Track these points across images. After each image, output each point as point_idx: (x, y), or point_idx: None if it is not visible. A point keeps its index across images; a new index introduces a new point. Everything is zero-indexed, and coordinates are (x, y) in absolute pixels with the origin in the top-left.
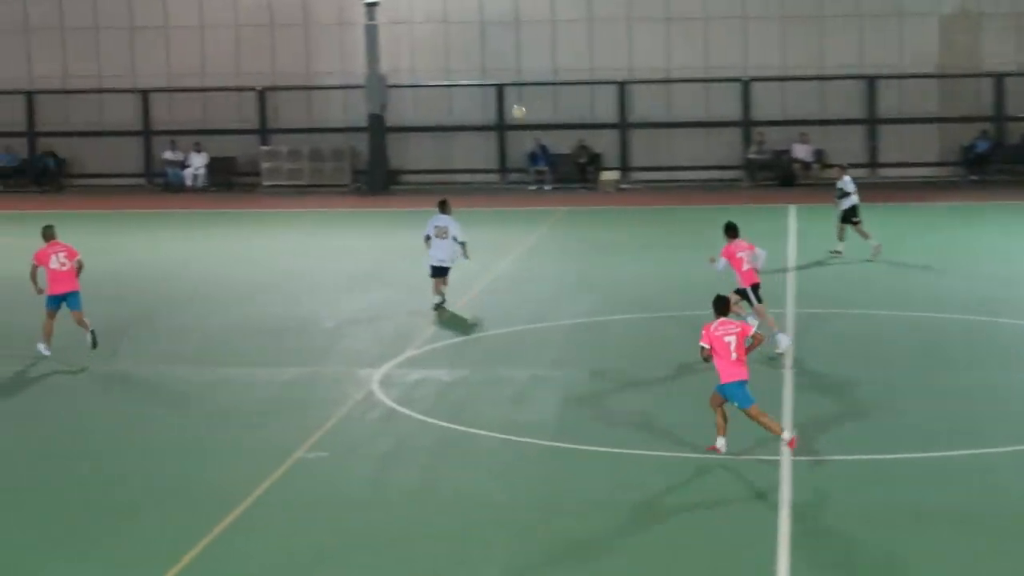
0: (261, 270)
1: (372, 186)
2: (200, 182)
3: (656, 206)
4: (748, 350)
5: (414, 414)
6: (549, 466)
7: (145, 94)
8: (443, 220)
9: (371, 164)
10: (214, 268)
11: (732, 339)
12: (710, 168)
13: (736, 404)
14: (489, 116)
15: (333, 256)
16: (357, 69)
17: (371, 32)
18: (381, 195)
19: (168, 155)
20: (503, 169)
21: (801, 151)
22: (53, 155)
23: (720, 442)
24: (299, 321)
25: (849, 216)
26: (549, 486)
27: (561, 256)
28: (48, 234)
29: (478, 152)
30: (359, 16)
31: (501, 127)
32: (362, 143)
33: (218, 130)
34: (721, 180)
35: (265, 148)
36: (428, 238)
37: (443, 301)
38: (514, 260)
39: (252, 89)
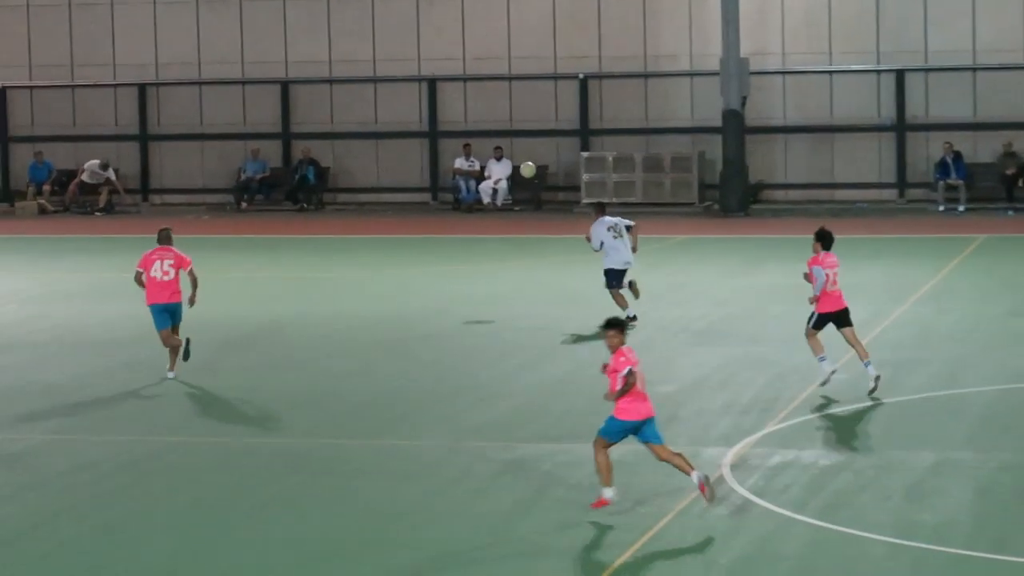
0: (578, 313)
1: (726, 205)
2: (500, 199)
3: None
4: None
5: (777, 508)
6: None
7: (432, 83)
8: (611, 220)
9: (725, 176)
10: (521, 311)
11: (640, 367)
12: None
13: (646, 443)
14: (884, 112)
15: (672, 297)
16: (710, 51)
17: (730, 5)
18: (739, 217)
19: (460, 163)
20: (902, 183)
21: None
22: (313, 163)
23: (608, 493)
24: None
25: None
26: None
27: (978, 300)
28: (161, 237)
29: (867, 160)
30: None
31: (902, 127)
32: (714, 148)
33: (524, 131)
34: None
35: (586, 155)
36: (602, 245)
37: (634, 315)
38: (914, 304)
39: (571, 77)
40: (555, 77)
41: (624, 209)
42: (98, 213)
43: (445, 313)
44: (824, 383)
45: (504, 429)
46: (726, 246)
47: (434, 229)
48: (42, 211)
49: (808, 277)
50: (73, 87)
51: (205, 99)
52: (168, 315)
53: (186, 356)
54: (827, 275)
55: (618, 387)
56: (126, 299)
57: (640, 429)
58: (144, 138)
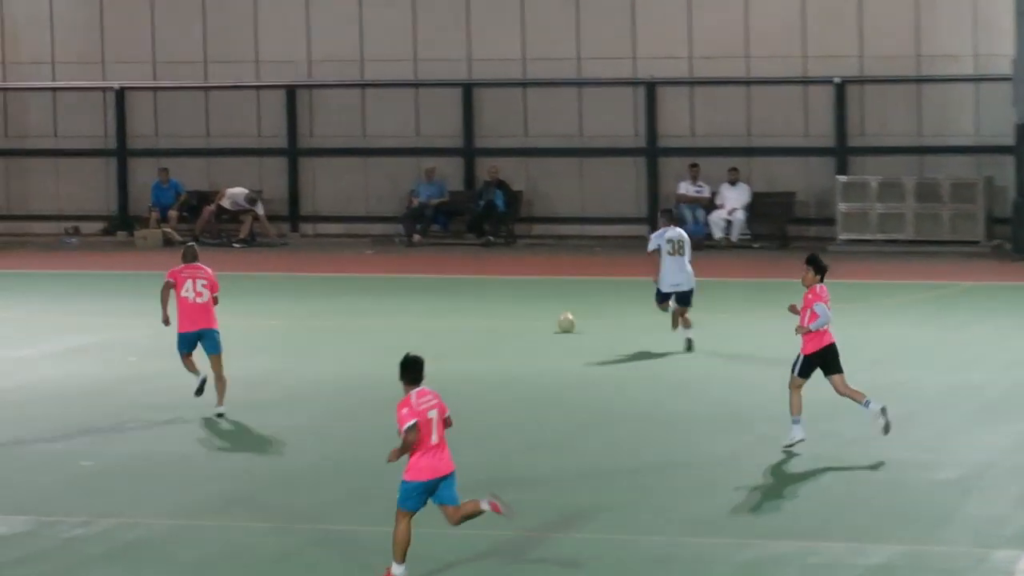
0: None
1: (1021, 244)
2: (736, 233)
3: None
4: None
5: None
6: None
7: (651, 88)
8: (676, 233)
9: (1020, 207)
10: (760, 372)
11: (435, 414)
12: None
13: (441, 505)
14: None
15: (950, 360)
16: (1000, 51)
17: None
18: None
19: (685, 188)
20: None
21: None
22: (502, 186)
23: (398, 570)
24: (898, 466)
25: None
26: None
27: None
28: (188, 254)
29: None
30: None
31: None
32: (1005, 172)
33: (765, 148)
34: None
35: (843, 179)
36: (658, 251)
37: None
38: None
39: (825, 81)
40: (805, 81)
41: (893, 248)
42: (237, 245)
43: (662, 376)
44: (789, 446)
45: (732, 522)
46: (1020, 296)
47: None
48: (167, 242)
49: (793, 309)
50: (206, 89)
51: (369, 105)
52: (195, 340)
53: (199, 392)
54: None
55: (404, 440)
56: (270, 351)
57: (436, 489)
58: (293, 153)
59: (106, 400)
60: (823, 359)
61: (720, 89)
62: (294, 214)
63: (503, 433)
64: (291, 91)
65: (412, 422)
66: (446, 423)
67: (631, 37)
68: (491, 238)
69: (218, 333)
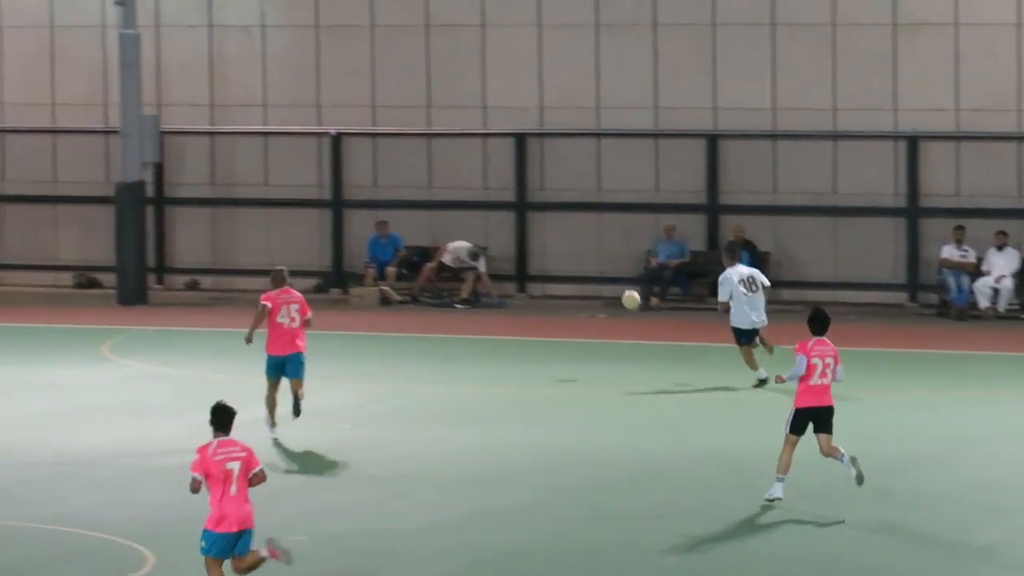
0: None
1: None
2: (1004, 303)
3: None
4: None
5: None
6: None
7: (912, 142)
8: (746, 270)
9: None
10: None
11: (236, 466)
12: None
13: (238, 557)
14: None
15: None
16: None
17: None
18: None
19: (950, 252)
20: None
21: None
22: (748, 246)
23: None
24: None
25: None
26: None
27: None
28: (279, 278)
29: None
30: None
31: None
32: None
33: None
34: None
35: None
36: (731, 298)
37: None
38: None
39: None
40: None
41: None
42: (459, 306)
43: (926, 457)
44: (769, 501)
45: None
46: None
47: (912, 341)
48: (384, 300)
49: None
50: (429, 136)
51: (604, 156)
52: (284, 365)
53: (296, 412)
54: (816, 364)
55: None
56: (487, 422)
57: (237, 542)
58: (522, 206)
59: (317, 470)
60: (817, 416)
61: (989, 145)
62: (521, 273)
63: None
64: (520, 139)
65: (193, 476)
66: (253, 479)
67: (892, 86)
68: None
69: (304, 357)
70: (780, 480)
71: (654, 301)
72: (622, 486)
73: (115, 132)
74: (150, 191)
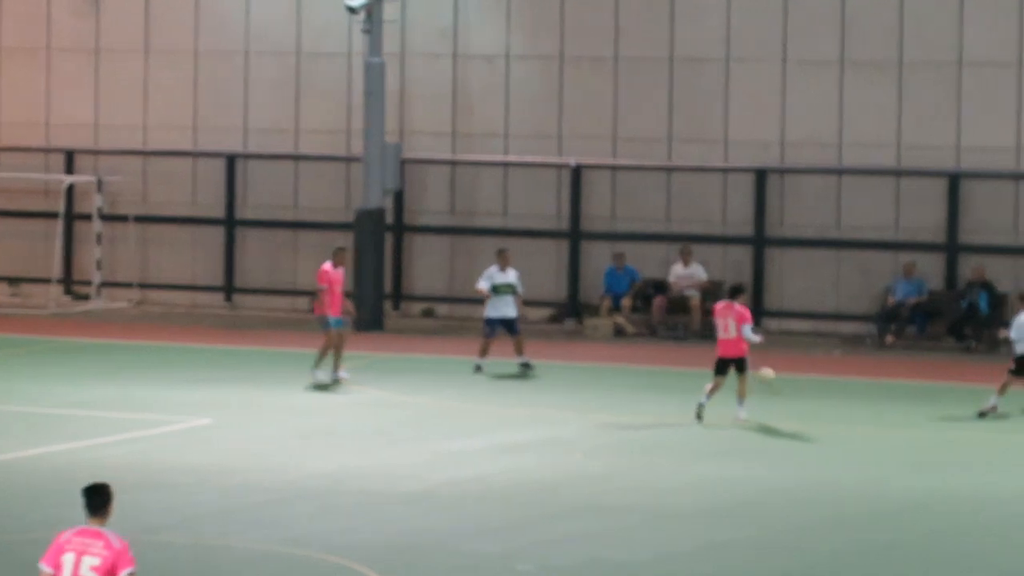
0: None
1: None
2: None
3: None
4: None
5: None
6: None
7: None
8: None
9: None
10: None
11: (71, 557)
12: None
13: None
14: None
15: None
16: None
17: None
18: None
19: None
20: None
21: None
22: (987, 287)
23: None
24: None
25: None
26: None
27: None
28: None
29: None
30: None
31: None
32: None
33: None
34: None
35: None
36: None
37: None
38: None
39: None
40: None
41: None
42: (694, 338)
43: None
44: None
45: None
46: None
47: None
48: (619, 332)
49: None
50: (669, 170)
51: (845, 193)
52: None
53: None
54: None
55: None
56: (722, 456)
57: None
58: (761, 242)
59: (549, 500)
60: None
61: None
62: (758, 308)
63: (977, 558)
64: (761, 174)
65: (41, 568)
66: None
67: None
68: (973, 343)
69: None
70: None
71: (890, 339)
72: (860, 523)
73: (357, 159)
74: (390, 218)
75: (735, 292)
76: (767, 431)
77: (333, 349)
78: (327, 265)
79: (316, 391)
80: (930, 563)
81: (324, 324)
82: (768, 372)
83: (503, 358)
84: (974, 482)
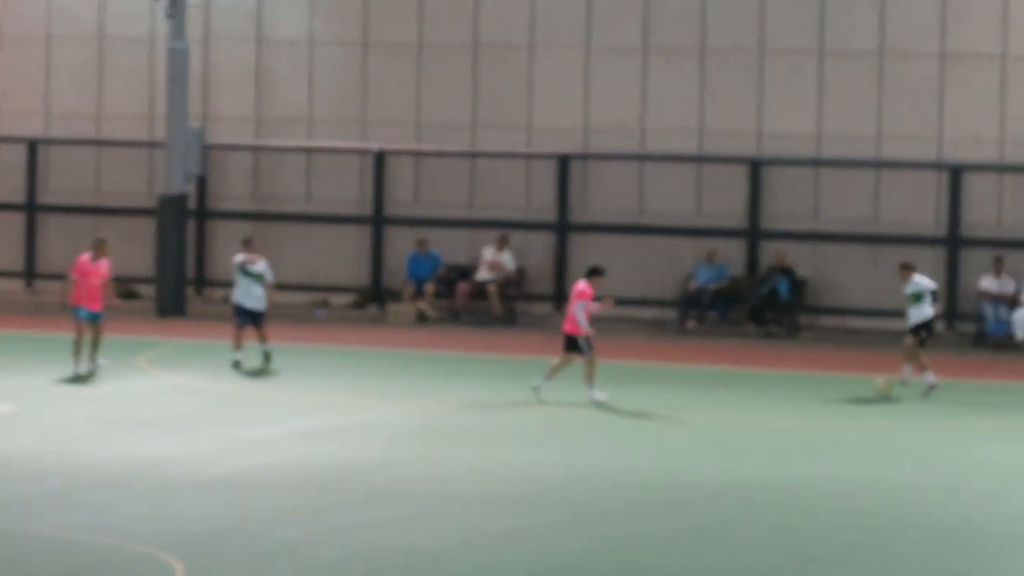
0: None
1: None
2: None
3: None
4: None
5: None
6: None
7: (956, 172)
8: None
9: None
10: None
11: None
12: None
13: None
14: None
15: None
16: None
17: None
18: None
19: (988, 284)
20: None
21: None
22: (788, 273)
23: None
24: None
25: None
26: None
27: None
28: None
29: None
30: None
31: None
32: None
33: None
34: None
35: None
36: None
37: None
38: None
39: None
40: None
41: None
42: (495, 324)
43: (957, 486)
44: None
45: None
46: None
47: (947, 369)
48: (421, 318)
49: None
50: (472, 155)
51: (648, 179)
52: None
53: None
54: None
55: None
56: (523, 442)
57: None
58: (563, 227)
59: (350, 486)
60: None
61: None
62: (560, 292)
63: (776, 542)
64: (564, 161)
65: None
66: None
67: (937, 116)
68: (773, 328)
69: None
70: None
71: (691, 324)
72: (662, 508)
73: (160, 145)
74: (193, 203)
75: (590, 272)
76: (566, 418)
77: (90, 339)
78: (85, 256)
79: (115, 379)
80: (728, 546)
81: (75, 315)
82: (881, 381)
83: (301, 344)
84: (771, 469)
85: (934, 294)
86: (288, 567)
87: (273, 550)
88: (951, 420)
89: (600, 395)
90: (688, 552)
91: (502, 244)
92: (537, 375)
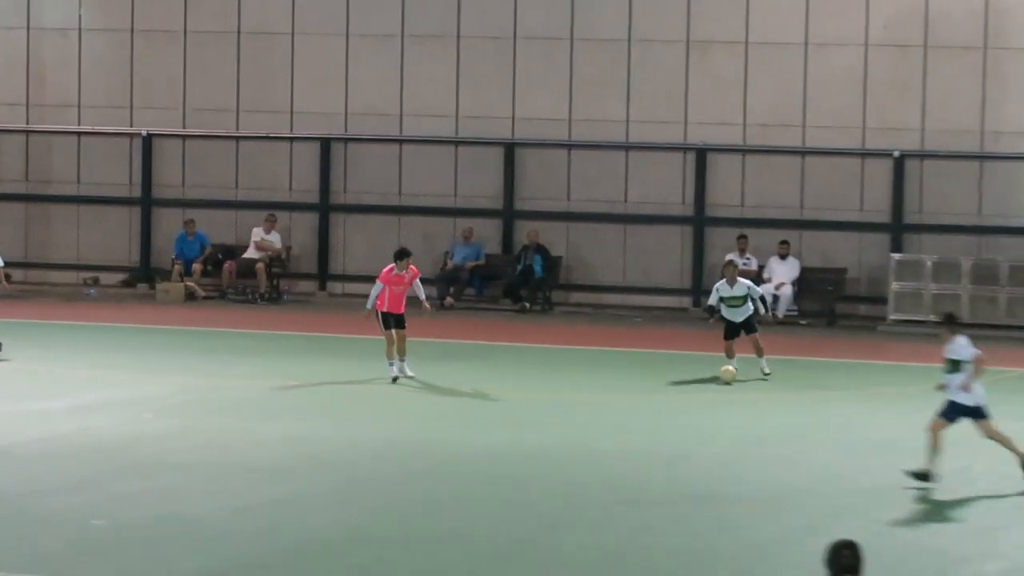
0: (869, 464)
1: None
2: (783, 309)
3: None
4: None
5: None
6: None
7: (701, 154)
8: (964, 341)
9: None
10: (796, 457)
11: None
12: None
13: None
14: None
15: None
16: None
17: None
18: None
19: (737, 258)
20: None
21: None
22: (542, 251)
23: None
24: (942, 557)
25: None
26: None
27: None
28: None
29: None
30: None
31: None
32: None
33: (818, 221)
34: None
35: (897, 257)
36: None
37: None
38: None
39: (885, 154)
40: (863, 154)
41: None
42: (262, 301)
43: (699, 454)
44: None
45: None
46: None
47: (689, 343)
48: (190, 296)
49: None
50: (237, 139)
51: (406, 161)
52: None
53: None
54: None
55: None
56: (291, 415)
57: None
58: (325, 208)
59: (121, 457)
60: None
61: (773, 158)
62: (323, 272)
63: (527, 510)
64: (326, 144)
65: None
66: None
67: (683, 101)
68: (527, 304)
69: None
70: (401, 361)
71: (449, 301)
72: (421, 476)
73: None
74: None
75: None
76: (335, 391)
77: None
78: None
79: None
80: (487, 513)
81: None
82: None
83: (72, 322)
84: (524, 437)
85: None
86: (59, 536)
87: (47, 519)
88: (694, 392)
89: (401, 370)
90: (451, 516)
91: (271, 225)
92: (331, 358)
